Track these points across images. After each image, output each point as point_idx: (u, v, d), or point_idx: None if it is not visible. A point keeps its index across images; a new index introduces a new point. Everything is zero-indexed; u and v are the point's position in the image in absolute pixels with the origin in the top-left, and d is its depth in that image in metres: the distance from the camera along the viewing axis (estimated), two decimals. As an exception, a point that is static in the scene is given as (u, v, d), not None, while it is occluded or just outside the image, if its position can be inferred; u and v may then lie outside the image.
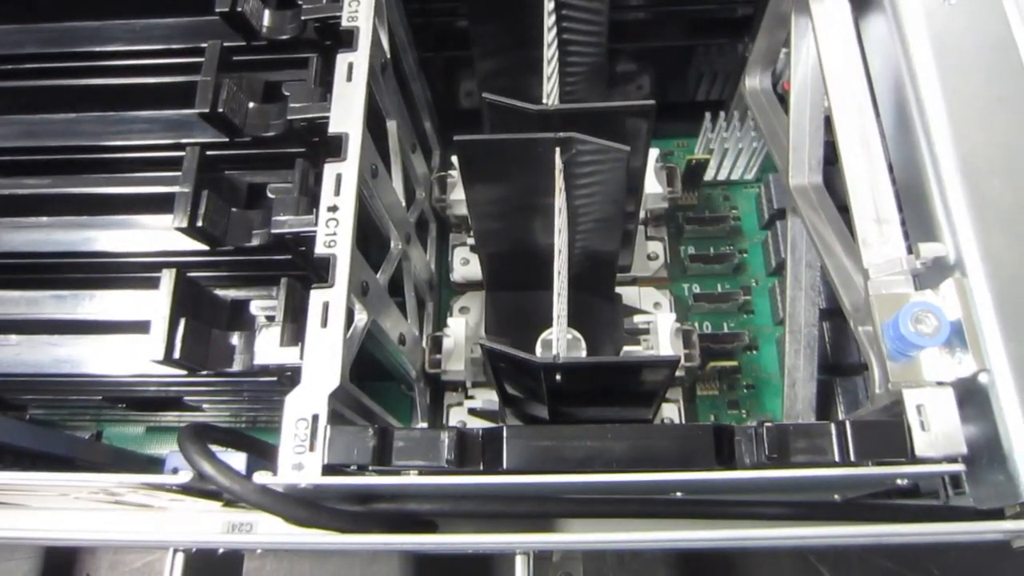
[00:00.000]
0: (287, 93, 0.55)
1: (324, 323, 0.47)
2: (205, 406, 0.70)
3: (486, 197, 0.57)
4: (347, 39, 0.55)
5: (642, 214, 0.77)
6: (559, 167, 0.50)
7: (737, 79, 0.80)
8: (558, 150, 0.50)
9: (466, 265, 0.81)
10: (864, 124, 0.51)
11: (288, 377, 0.52)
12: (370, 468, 0.43)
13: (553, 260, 0.50)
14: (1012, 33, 0.48)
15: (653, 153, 0.76)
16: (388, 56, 0.62)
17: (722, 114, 0.83)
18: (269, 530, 0.47)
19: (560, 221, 0.51)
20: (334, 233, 0.49)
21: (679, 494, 0.46)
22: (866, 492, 0.50)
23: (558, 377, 0.46)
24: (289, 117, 0.53)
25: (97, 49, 0.59)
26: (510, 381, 0.54)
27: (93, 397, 0.64)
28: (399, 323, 0.63)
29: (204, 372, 0.51)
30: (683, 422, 0.73)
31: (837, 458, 0.41)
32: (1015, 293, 0.41)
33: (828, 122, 0.57)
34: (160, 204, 0.55)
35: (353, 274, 0.49)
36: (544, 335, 0.65)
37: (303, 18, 0.56)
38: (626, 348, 0.69)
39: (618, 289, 0.73)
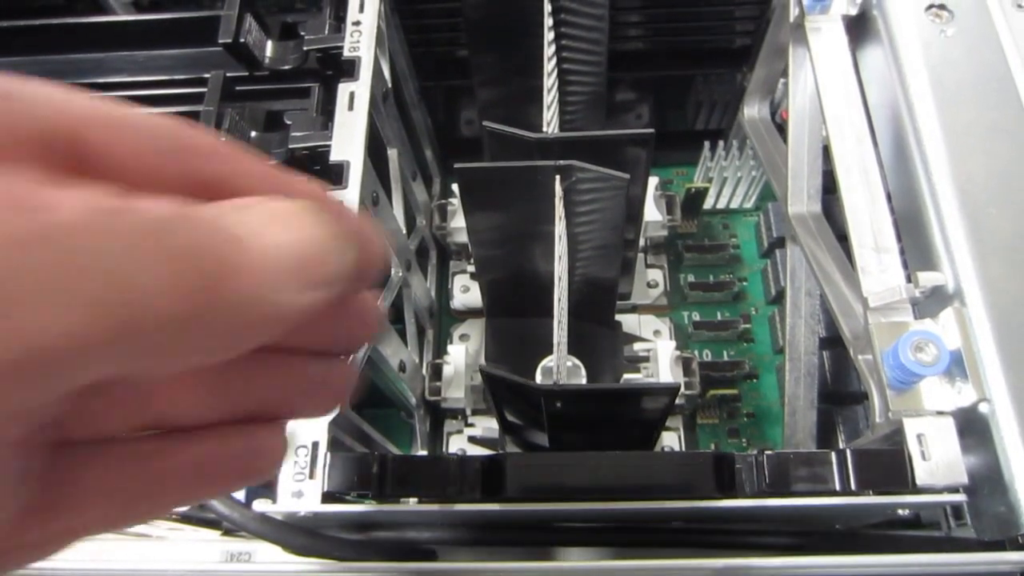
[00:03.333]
0: (289, 122, 0.55)
1: (324, 351, 0.47)
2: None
3: (486, 224, 0.58)
4: (349, 69, 0.56)
5: (642, 242, 0.77)
6: (559, 195, 0.50)
7: (736, 108, 0.81)
8: (558, 178, 0.50)
9: (466, 292, 0.81)
10: (862, 153, 0.52)
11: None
12: (370, 496, 0.43)
13: (553, 287, 0.50)
14: (1008, 64, 0.49)
15: (652, 181, 0.76)
16: (389, 85, 0.62)
17: (721, 143, 0.83)
18: (268, 559, 0.47)
19: (560, 248, 0.51)
20: (335, 261, 0.49)
21: (680, 523, 0.46)
22: (868, 522, 0.50)
23: (558, 404, 0.46)
24: (291, 146, 0.54)
25: (101, 80, 0.60)
26: (510, 408, 0.54)
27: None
28: (399, 350, 0.63)
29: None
30: (683, 450, 0.73)
31: (838, 487, 0.41)
32: (1014, 322, 0.41)
33: (826, 151, 0.58)
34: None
35: (353, 302, 0.49)
36: (544, 362, 0.65)
37: (305, 48, 0.57)
38: (626, 376, 0.69)
39: (618, 317, 0.73)
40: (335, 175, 0.52)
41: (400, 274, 0.65)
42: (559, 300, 0.49)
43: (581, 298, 0.61)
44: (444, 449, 0.75)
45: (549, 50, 0.57)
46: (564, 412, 0.47)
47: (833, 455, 0.41)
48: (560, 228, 0.51)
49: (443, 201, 0.78)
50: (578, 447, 0.52)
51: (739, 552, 0.45)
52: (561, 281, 0.50)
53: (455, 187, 0.70)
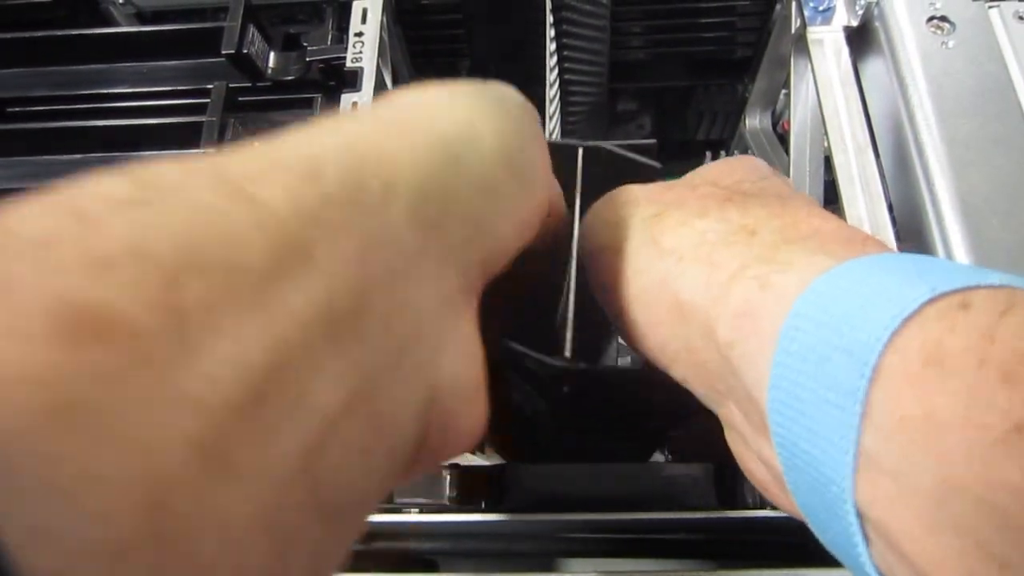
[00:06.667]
0: (292, 133, 0.55)
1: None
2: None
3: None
4: (351, 79, 0.56)
5: (644, 252, 0.77)
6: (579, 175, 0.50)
7: (737, 119, 0.81)
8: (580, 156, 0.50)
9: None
10: (864, 164, 0.52)
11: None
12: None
13: (557, 298, 0.50)
14: (1009, 76, 0.49)
15: (655, 191, 0.76)
16: (392, 96, 0.62)
17: (723, 153, 0.83)
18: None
19: (572, 269, 0.51)
20: (337, 271, 0.49)
21: (683, 533, 0.45)
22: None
23: (566, 388, 0.45)
24: (294, 156, 0.54)
25: (104, 91, 0.60)
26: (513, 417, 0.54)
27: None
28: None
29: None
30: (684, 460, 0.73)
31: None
32: (1016, 332, 0.41)
33: (828, 162, 0.58)
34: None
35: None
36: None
37: (308, 59, 0.57)
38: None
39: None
40: (337, 185, 0.52)
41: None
42: (566, 300, 0.49)
43: (583, 307, 0.61)
44: (446, 459, 0.75)
45: (551, 60, 0.57)
46: (572, 402, 0.46)
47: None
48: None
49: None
50: (581, 456, 0.52)
51: (743, 563, 0.45)
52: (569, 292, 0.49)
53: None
